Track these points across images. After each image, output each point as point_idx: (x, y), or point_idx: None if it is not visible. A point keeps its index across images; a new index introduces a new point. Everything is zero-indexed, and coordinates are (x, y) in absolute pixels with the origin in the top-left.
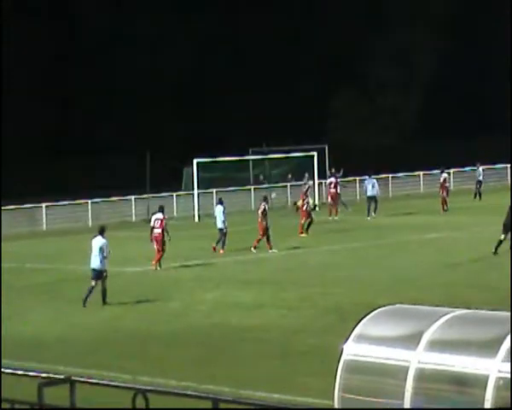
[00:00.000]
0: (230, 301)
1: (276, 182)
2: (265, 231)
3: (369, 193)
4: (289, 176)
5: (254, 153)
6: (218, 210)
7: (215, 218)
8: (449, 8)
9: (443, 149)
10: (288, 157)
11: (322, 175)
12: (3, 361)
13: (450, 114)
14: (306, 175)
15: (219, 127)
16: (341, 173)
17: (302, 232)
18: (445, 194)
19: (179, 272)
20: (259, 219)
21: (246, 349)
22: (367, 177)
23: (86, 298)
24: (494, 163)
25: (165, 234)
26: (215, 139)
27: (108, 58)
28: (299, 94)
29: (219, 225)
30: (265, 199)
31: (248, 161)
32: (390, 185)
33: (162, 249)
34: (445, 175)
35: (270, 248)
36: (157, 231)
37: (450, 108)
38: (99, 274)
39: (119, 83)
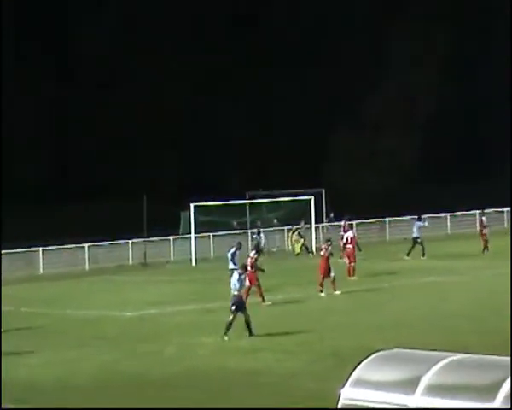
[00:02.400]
0: (228, 346)
1: (270, 226)
2: (326, 273)
3: (413, 234)
4: (275, 221)
5: (251, 197)
6: (231, 252)
7: (227, 259)
8: (450, 49)
9: (442, 192)
10: (284, 201)
11: (319, 219)
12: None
13: (449, 156)
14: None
15: (216, 171)
16: (332, 216)
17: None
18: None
19: (177, 317)
20: (322, 261)
21: (242, 393)
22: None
23: (249, 330)
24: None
25: (257, 271)
26: (212, 183)
27: (107, 99)
28: (297, 136)
29: (231, 266)
30: (329, 240)
31: (245, 205)
32: (387, 229)
33: (256, 285)
34: (483, 217)
35: (321, 291)
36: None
37: (449, 150)
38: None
39: (115, 125)
